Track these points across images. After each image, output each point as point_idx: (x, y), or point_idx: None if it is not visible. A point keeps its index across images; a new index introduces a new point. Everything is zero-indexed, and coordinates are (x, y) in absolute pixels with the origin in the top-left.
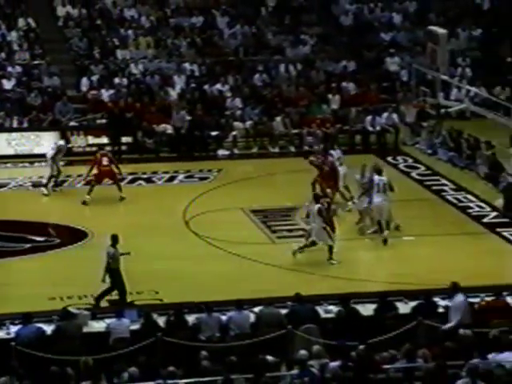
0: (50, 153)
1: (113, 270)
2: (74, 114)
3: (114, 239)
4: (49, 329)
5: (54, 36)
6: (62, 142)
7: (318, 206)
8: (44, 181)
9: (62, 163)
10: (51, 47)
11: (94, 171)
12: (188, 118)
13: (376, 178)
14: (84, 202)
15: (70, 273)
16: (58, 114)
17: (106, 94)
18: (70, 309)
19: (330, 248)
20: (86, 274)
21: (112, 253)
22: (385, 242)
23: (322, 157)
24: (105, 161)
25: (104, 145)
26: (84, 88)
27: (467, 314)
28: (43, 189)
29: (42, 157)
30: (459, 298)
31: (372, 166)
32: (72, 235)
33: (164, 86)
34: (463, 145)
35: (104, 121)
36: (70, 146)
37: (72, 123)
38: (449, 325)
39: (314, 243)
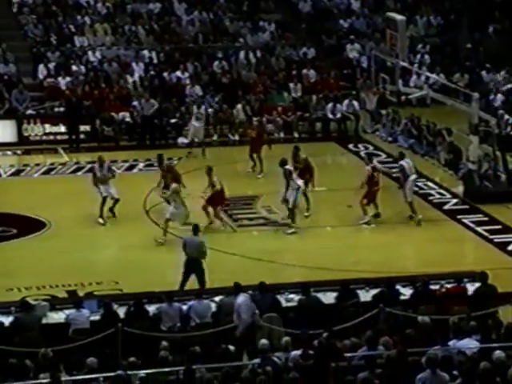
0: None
1: (193, 259)
2: (30, 102)
3: (196, 228)
4: (7, 320)
5: (8, 22)
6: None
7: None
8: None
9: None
10: (6, 34)
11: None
12: (157, 105)
13: (403, 162)
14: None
15: (28, 263)
16: (14, 102)
17: (63, 82)
18: (28, 300)
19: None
20: (44, 264)
21: (199, 242)
22: (419, 223)
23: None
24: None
25: (61, 133)
26: (41, 76)
27: (252, 313)
28: (99, 219)
29: None
30: (241, 298)
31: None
32: (30, 225)
33: (122, 73)
34: (424, 131)
35: (61, 109)
36: (26, 134)
37: (29, 111)
38: (239, 330)
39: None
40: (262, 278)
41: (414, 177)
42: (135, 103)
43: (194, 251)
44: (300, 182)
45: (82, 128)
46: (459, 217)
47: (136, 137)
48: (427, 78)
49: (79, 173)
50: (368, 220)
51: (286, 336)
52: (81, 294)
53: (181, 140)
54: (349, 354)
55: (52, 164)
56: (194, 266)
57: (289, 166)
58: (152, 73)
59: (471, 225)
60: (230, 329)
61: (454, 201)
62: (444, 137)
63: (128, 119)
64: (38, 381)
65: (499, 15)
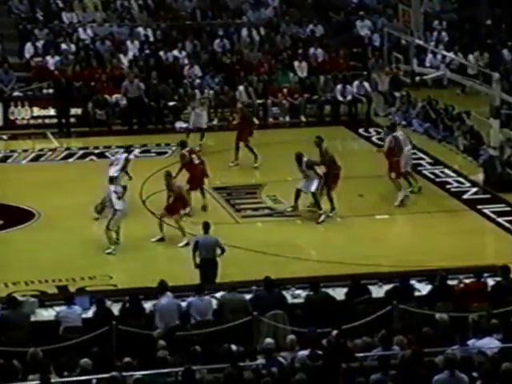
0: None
1: (209, 259)
2: (16, 83)
3: (206, 226)
4: None
5: None
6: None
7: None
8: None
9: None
10: None
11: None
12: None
13: (397, 134)
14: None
15: (16, 256)
16: None
17: (51, 62)
18: (16, 296)
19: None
20: (32, 257)
21: (214, 241)
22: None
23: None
24: (196, 159)
25: (51, 117)
26: (27, 54)
27: (176, 316)
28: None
29: None
30: (166, 298)
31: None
32: (18, 216)
33: (116, 52)
34: (442, 115)
35: (50, 91)
36: (13, 118)
37: (15, 93)
38: (157, 331)
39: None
40: (266, 273)
41: (408, 147)
42: (125, 83)
43: (210, 251)
44: (320, 171)
45: (73, 111)
46: (479, 207)
47: (131, 121)
48: (444, 56)
49: (70, 159)
50: (405, 194)
51: (291, 334)
52: (72, 289)
53: (178, 124)
54: (360, 355)
55: (41, 150)
56: (209, 265)
57: (306, 158)
58: (147, 52)
59: (492, 215)
60: (233, 327)
61: (474, 189)
62: (464, 120)
63: (123, 102)
64: (27, 383)
65: None
